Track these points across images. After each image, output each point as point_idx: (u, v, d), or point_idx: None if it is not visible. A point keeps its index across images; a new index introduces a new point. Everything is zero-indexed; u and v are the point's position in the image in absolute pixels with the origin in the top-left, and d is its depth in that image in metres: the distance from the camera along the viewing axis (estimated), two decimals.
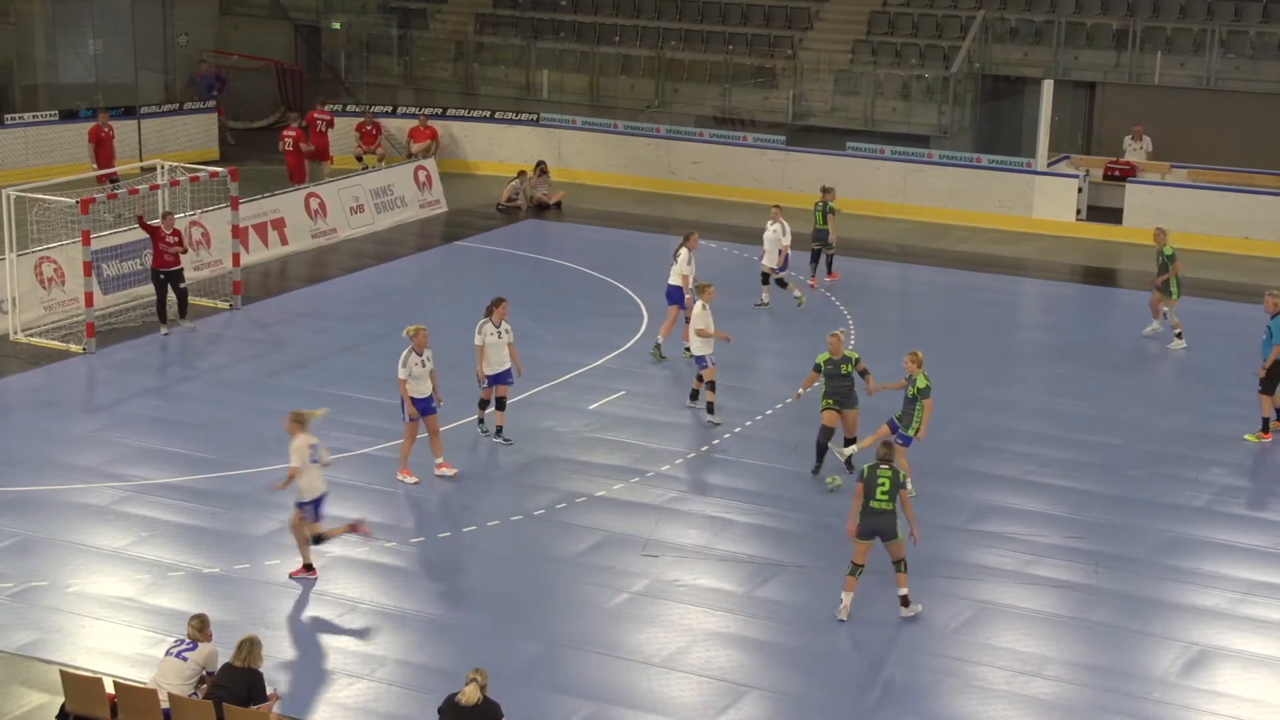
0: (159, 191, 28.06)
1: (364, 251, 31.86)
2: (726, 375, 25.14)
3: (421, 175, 35.32)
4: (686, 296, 24.46)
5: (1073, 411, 23.46)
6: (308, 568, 17.80)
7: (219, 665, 14.17)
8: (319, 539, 17.77)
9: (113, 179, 31.55)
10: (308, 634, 16.57)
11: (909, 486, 19.68)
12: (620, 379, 24.26)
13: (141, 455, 21.06)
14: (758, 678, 15.93)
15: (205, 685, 14.11)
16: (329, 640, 16.44)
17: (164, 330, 25.87)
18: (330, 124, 35.95)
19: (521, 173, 35.88)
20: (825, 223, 29.60)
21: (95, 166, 32.78)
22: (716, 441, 21.94)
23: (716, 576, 18.03)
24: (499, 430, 21.79)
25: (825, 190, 29.91)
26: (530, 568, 18.27)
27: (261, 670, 13.98)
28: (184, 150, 37.19)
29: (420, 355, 20.07)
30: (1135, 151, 35.98)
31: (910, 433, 19.69)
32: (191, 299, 27.05)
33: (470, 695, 13.27)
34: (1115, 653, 16.64)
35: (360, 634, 16.62)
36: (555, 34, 41.46)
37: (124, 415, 22.70)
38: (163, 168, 28.58)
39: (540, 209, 35.41)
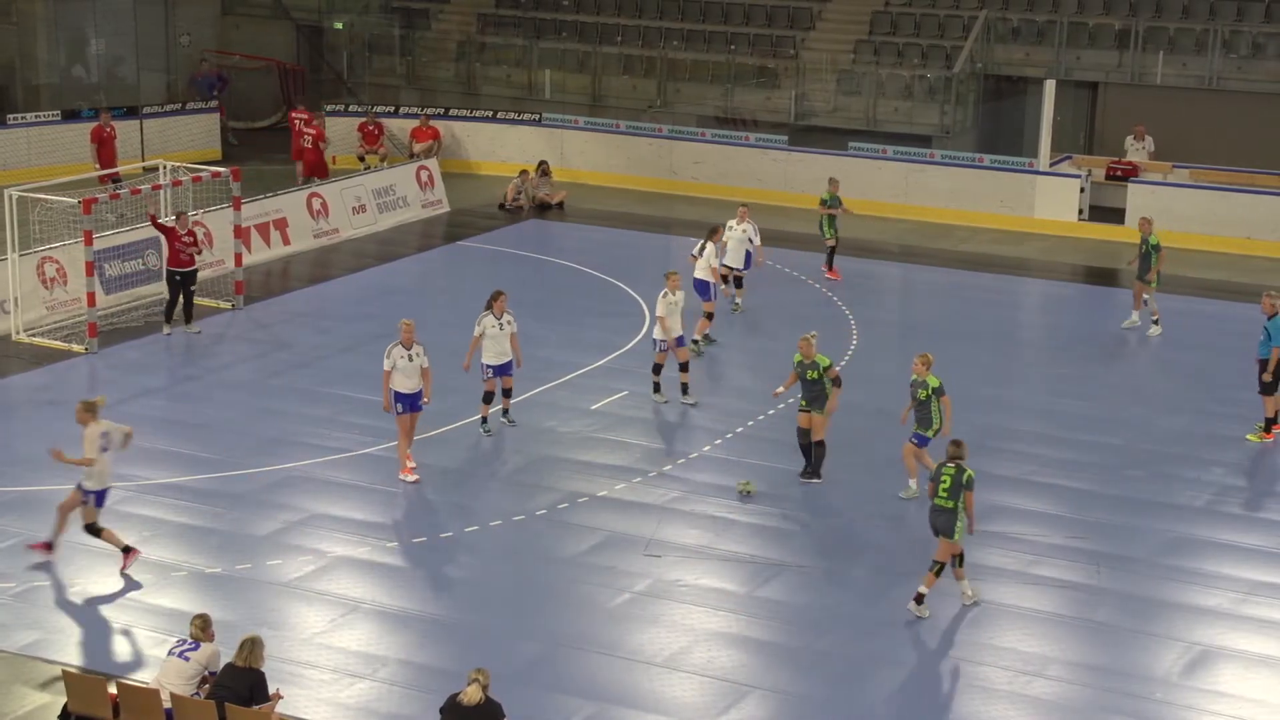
0: (161, 191, 28.07)
1: (366, 251, 31.87)
2: (728, 375, 25.17)
3: (424, 175, 35.33)
4: (723, 288, 25.64)
5: (1074, 412, 23.46)
6: (48, 546, 17.84)
7: (221, 665, 14.17)
8: (93, 530, 17.71)
9: (115, 179, 31.56)
10: (310, 634, 16.57)
11: (912, 486, 19.79)
12: (622, 379, 24.26)
13: (143, 455, 21.02)
14: (759, 678, 15.94)
15: (207, 685, 14.12)
16: (331, 640, 16.45)
17: (166, 330, 25.85)
18: (309, 123, 36.02)
19: (523, 171, 35.90)
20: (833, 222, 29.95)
21: (97, 166, 32.79)
22: (719, 441, 21.95)
23: (718, 576, 18.03)
24: (505, 411, 22.03)
25: (832, 181, 30.29)
26: (532, 568, 18.28)
27: (263, 670, 13.99)
28: (186, 150, 37.20)
29: (408, 350, 20.11)
30: (1137, 151, 35.97)
31: (931, 433, 19.70)
32: (194, 299, 27.07)
33: (472, 695, 13.28)
34: (1117, 653, 16.64)
35: (362, 634, 16.62)
36: (557, 34, 41.46)
37: (126, 415, 22.60)
38: (165, 168, 28.59)
39: (542, 209, 35.42)
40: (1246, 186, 34.17)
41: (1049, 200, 34.82)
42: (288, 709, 14.45)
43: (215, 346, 25.82)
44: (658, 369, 23.38)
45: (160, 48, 40.57)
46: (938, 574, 17.19)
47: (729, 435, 22.21)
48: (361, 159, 37.38)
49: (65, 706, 14.35)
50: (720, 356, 25.85)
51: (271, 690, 14.07)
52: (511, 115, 39.27)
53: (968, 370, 25.11)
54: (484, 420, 22.05)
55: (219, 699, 13.71)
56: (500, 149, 38.79)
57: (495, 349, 21.54)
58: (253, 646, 13.96)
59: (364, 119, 38.00)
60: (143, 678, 15.01)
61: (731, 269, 27.53)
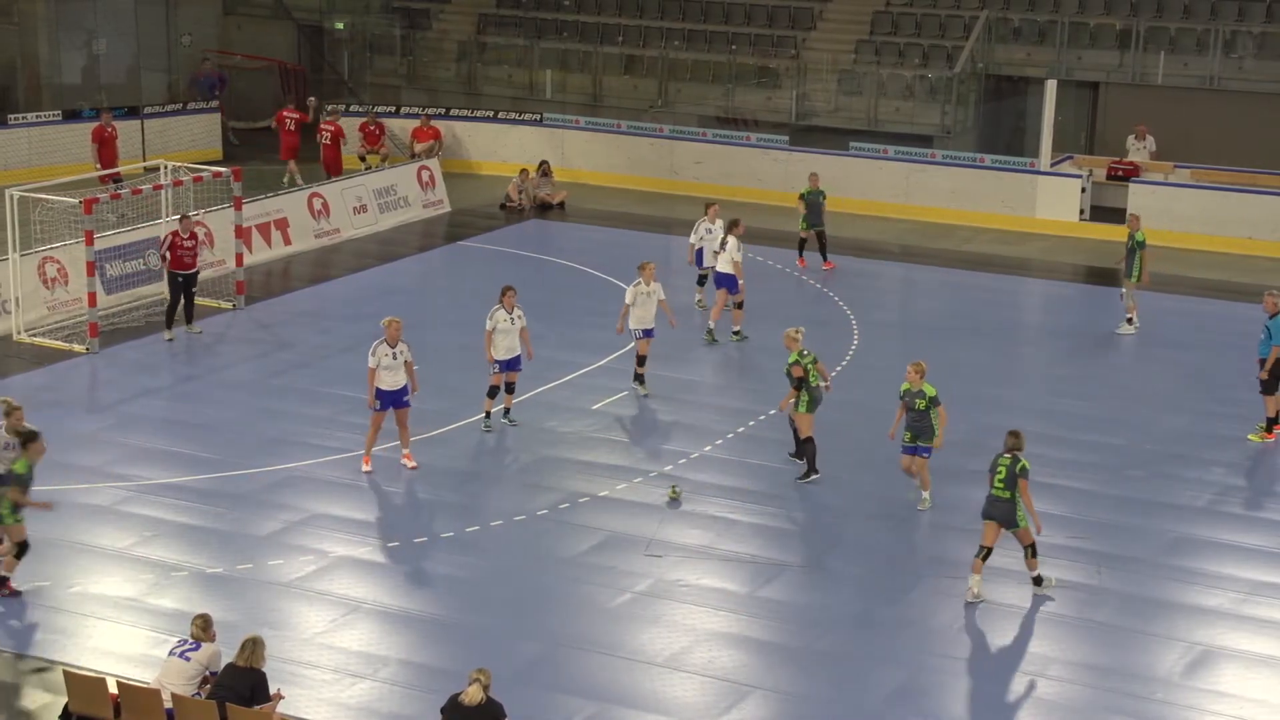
0: (162, 191, 28.07)
1: (367, 251, 31.87)
2: (730, 376, 25.17)
3: (425, 175, 35.33)
4: (741, 283, 25.84)
5: (1075, 412, 23.45)
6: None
7: (222, 665, 14.17)
8: None
9: (116, 179, 31.57)
10: (311, 634, 16.57)
11: (925, 497, 19.71)
12: (623, 379, 24.25)
13: (144, 455, 21.07)
14: (760, 678, 15.94)
15: (208, 685, 14.12)
16: (332, 640, 16.44)
17: (168, 336, 25.78)
18: (300, 122, 36.13)
19: (523, 170, 35.90)
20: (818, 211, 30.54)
21: (98, 166, 32.79)
22: (719, 441, 21.95)
23: (719, 576, 18.03)
24: (506, 411, 22.06)
25: (812, 176, 30.83)
26: (533, 567, 18.27)
27: (264, 670, 13.98)
28: (187, 150, 37.19)
29: (393, 348, 20.18)
30: (1138, 151, 35.96)
31: (934, 443, 19.58)
32: (195, 299, 27.07)
33: (474, 695, 13.27)
34: (1118, 653, 16.64)
35: (363, 634, 16.62)
36: (558, 34, 41.46)
37: (127, 415, 22.71)
38: (166, 168, 28.58)
39: (543, 209, 35.42)
40: (1247, 186, 34.16)
41: (1050, 200, 34.81)
42: (289, 709, 14.44)
43: (216, 346, 25.81)
44: (641, 360, 23.66)
45: (161, 48, 40.56)
46: (1034, 555, 17.52)
47: (729, 435, 22.20)
48: (363, 159, 37.37)
49: (66, 706, 14.35)
50: (721, 356, 25.85)
51: (272, 690, 14.06)
52: (512, 115, 39.27)
53: (969, 370, 25.13)
54: (486, 416, 22.07)
55: (220, 699, 13.70)
56: (501, 149, 38.79)
57: (505, 344, 21.65)
58: (254, 647, 13.95)
59: (365, 119, 37.99)
60: (144, 678, 15.00)
61: (709, 270, 27.83)
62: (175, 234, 25.64)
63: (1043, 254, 33.05)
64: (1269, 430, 22.45)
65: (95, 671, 14.92)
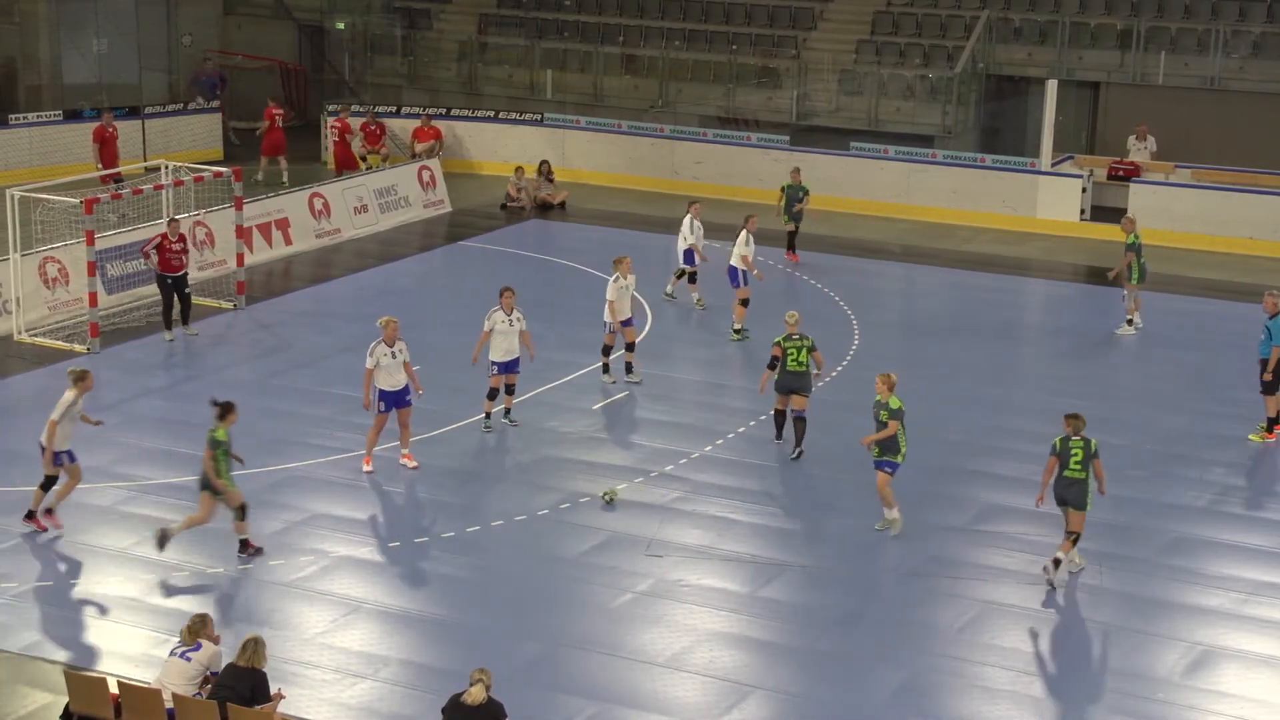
0: (163, 191, 28.07)
1: (368, 252, 31.88)
2: (729, 375, 25.17)
3: (425, 175, 35.34)
4: (754, 274, 26.30)
5: (1076, 411, 23.38)
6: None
7: (222, 665, 14.17)
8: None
9: (117, 179, 31.58)
10: (311, 634, 16.57)
11: (885, 517, 19.12)
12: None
13: (146, 455, 21.08)
14: (762, 678, 15.94)
15: (209, 685, 14.12)
16: (333, 640, 16.45)
17: (168, 337, 25.79)
18: (287, 119, 36.33)
19: (518, 169, 35.91)
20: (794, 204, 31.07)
21: (99, 166, 32.80)
22: (720, 441, 21.95)
23: (720, 576, 18.03)
24: (507, 412, 22.09)
25: (794, 171, 31.54)
26: (534, 567, 18.28)
27: (265, 670, 13.98)
28: (188, 150, 37.23)
29: (391, 347, 20.20)
30: (1139, 151, 35.96)
31: (899, 458, 19.01)
32: (196, 299, 27.09)
33: (476, 695, 13.28)
34: (1119, 653, 16.64)
35: (364, 634, 16.63)
36: (559, 34, 41.47)
37: (128, 415, 22.70)
38: (167, 168, 28.59)
39: (544, 209, 35.42)
40: (1248, 186, 34.17)
41: (1051, 200, 34.82)
42: (289, 709, 14.45)
43: (217, 346, 25.82)
44: (606, 350, 24.01)
45: (162, 48, 40.57)
46: (1074, 543, 17.86)
47: (730, 435, 22.21)
48: (363, 159, 37.39)
49: (67, 706, 14.35)
50: (722, 356, 25.86)
51: (273, 690, 14.06)
52: (513, 115, 39.28)
53: (970, 370, 25.15)
54: (487, 416, 22.08)
55: (221, 699, 13.70)
56: (502, 149, 38.79)
57: (504, 346, 21.62)
58: (255, 647, 13.95)
59: (365, 119, 38.00)
60: (144, 678, 15.00)
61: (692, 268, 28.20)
62: (164, 236, 25.64)
63: (1043, 254, 33.05)
64: (1269, 430, 22.45)
65: (96, 671, 14.93)
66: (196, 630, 14.34)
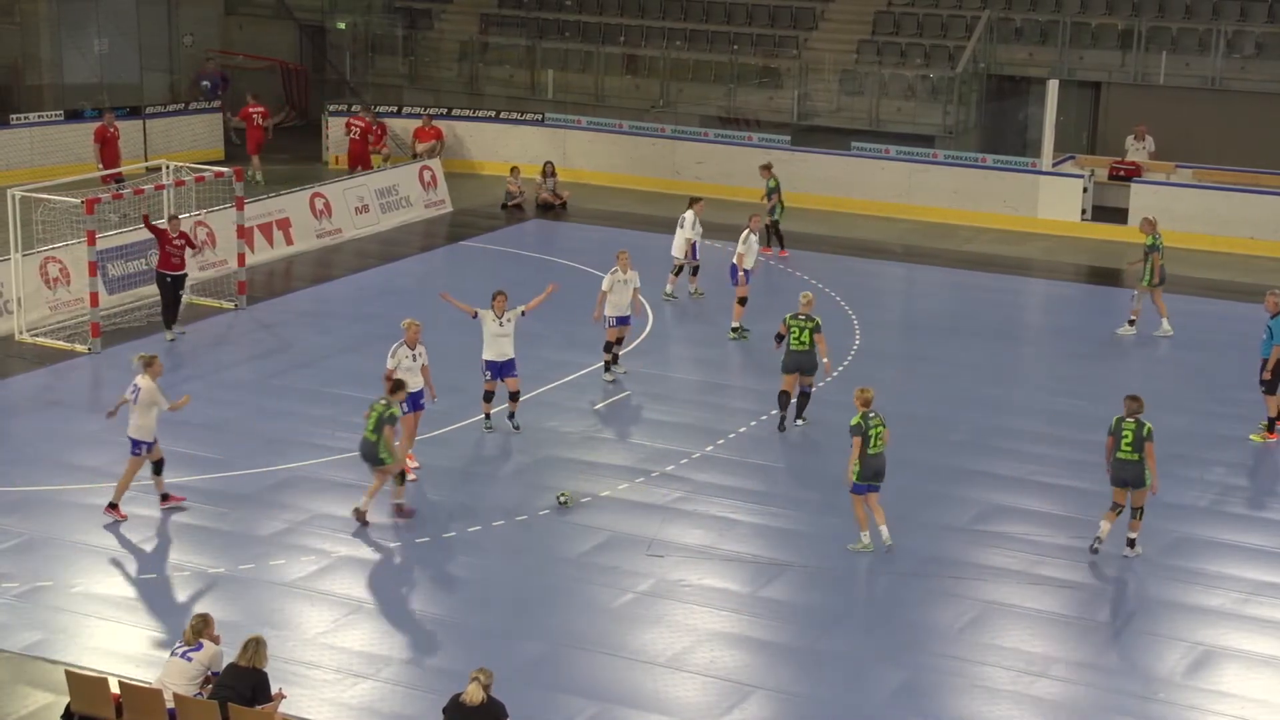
0: (164, 191, 28.08)
1: (369, 252, 31.88)
2: (730, 375, 25.17)
3: (426, 175, 35.35)
4: (741, 272, 26.39)
5: (1077, 411, 23.43)
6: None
7: (223, 665, 14.17)
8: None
9: (118, 179, 31.59)
10: (313, 634, 16.58)
11: (864, 539, 18.54)
12: (625, 379, 24.27)
13: None
14: (762, 678, 15.94)
15: (210, 685, 14.12)
16: (334, 640, 16.45)
17: (169, 337, 25.77)
18: (266, 116, 36.50)
19: (514, 168, 35.91)
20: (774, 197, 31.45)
21: (100, 166, 32.82)
22: (721, 441, 21.95)
23: (721, 576, 18.03)
24: (511, 415, 22.09)
25: (763, 168, 31.98)
26: (535, 568, 18.28)
27: (266, 670, 13.99)
28: (189, 150, 37.24)
29: (412, 350, 20.21)
30: (1137, 151, 35.96)
31: (855, 478, 18.32)
32: (197, 299, 27.13)
33: (473, 695, 13.27)
34: (1119, 653, 16.64)
35: (365, 634, 16.63)
36: (560, 34, 41.46)
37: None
38: (168, 168, 28.60)
39: (545, 209, 35.43)
40: (1249, 186, 34.16)
41: (1052, 200, 34.81)
42: (291, 709, 14.45)
43: (218, 346, 25.82)
44: (608, 347, 24.06)
45: (163, 48, 40.56)
46: (1139, 519, 18.44)
47: (731, 435, 22.21)
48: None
49: (68, 706, 14.35)
50: (722, 355, 25.86)
51: (274, 690, 14.06)
52: (514, 115, 39.28)
53: (970, 370, 25.15)
54: (486, 417, 22.09)
55: (222, 699, 13.70)
56: (503, 149, 38.78)
57: (495, 348, 21.60)
58: (257, 647, 13.95)
59: (369, 119, 38.00)
60: (146, 678, 15.01)
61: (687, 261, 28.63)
62: (164, 233, 25.65)
63: (1044, 254, 33.05)
64: (1270, 430, 22.45)
65: (97, 671, 14.92)
66: (198, 630, 14.34)
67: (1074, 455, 21.69)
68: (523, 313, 21.85)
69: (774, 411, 22.40)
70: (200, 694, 14.06)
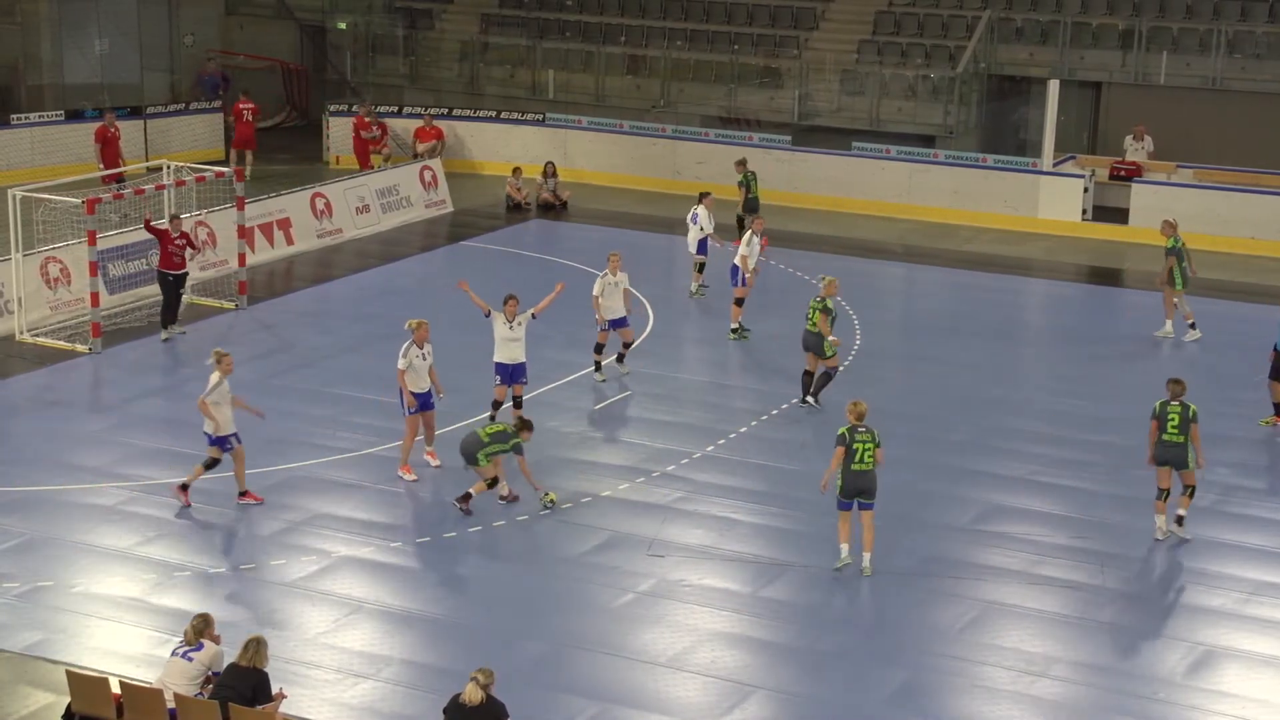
0: (165, 191, 28.09)
1: (369, 251, 31.89)
2: (730, 375, 25.18)
3: (427, 175, 35.35)
4: (746, 275, 26.31)
5: (1078, 411, 23.44)
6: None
7: (224, 665, 14.18)
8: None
9: (119, 179, 31.59)
10: (313, 634, 16.58)
11: (842, 552, 18.13)
12: (625, 379, 24.27)
13: (147, 455, 21.08)
14: (763, 678, 15.94)
15: (210, 685, 14.12)
16: (334, 640, 16.45)
17: (164, 336, 25.76)
18: (256, 113, 36.58)
19: (516, 169, 35.91)
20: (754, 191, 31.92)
21: (101, 166, 32.83)
22: (722, 441, 21.95)
23: (722, 576, 18.03)
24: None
25: (744, 162, 32.43)
26: (536, 567, 18.29)
27: (267, 670, 13.99)
28: (190, 150, 37.24)
29: (421, 349, 20.21)
30: (1136, 151, 35.95)
31: (839, 491, 17.99)
32: (197, 299, 27.10)
33: (472, 695, 13.26)
34: (1121, 653, 16.64)
35: (366, 634, 16.63)
36: (561, 34, 41.46)
37: (130, 415, 22.73)
38: (168, 168, 28.60)
39: (546, 209, 35.43)
40: (1250, 186, 34.15)
41: (1053, 200, 34.81)
42: (291, 709, 14.45)
43: (218, 346, 25.76)
44: (599, 349, 24.07)
45: (164, 48, 40.56)
46: (1191, 496, 19.03)
47: (732, 435, 22.21)
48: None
49: (69, 706, 14.36)
50: (723, 356, 25.87)
51: (275, 690, 14.07)
52: (515, 115, 39.27)
53: (971, 370, 25.15)
54: (492, 420, 22.06)
55: (222, 699, 13.71)
56: (504, 149, 38.78)
57: (506, 352, 21.59)
58: (257, 647, 13.95)
59: (370, 119, 38.01)
60: (146, 678, 15.01)
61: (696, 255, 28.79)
62: (165, 232, 25.66)
63: (1045, 254, 33.04)
64: (1277, 414, 22.53)
65: (98, 671, 14.92)
66: (199, 630, 14.35)
67: (1074, 455, 21.69)
68: (534, 315, 21.85)
69: (774, 411, 22.41)
70: (201, 694, 14.07)
